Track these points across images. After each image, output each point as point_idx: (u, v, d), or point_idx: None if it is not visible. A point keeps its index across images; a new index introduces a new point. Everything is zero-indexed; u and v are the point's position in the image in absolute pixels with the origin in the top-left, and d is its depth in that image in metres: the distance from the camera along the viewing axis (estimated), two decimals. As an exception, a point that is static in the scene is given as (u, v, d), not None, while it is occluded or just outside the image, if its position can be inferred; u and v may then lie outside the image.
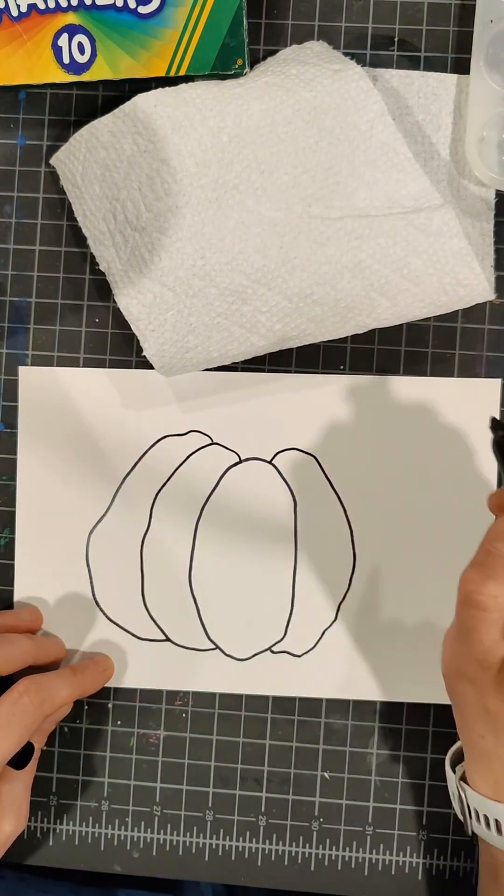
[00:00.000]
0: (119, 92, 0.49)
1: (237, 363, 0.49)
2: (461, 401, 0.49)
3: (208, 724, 0.50)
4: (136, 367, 0.50)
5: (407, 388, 0.49)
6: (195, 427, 0.50)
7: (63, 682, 0.46)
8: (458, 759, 0.44)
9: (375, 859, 0.49)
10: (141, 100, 0.44)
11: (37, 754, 0.46)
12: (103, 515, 0.50)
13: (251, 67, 0.46)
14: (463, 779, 0.43)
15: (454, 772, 0.43)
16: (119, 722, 0.50)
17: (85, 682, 0.47)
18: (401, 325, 0.48)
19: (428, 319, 0.48)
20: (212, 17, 0.45)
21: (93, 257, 0.48)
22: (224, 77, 0.46)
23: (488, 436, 0.40)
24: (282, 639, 0.49)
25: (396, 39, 0.49)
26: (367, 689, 0.49)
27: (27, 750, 0.44)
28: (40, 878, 0.51)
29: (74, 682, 0.46)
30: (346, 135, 0.44)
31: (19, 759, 0.44)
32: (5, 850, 0.45)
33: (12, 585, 0.50)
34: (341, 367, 0.49)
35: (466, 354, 0.49)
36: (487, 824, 0.41)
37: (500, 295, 0.48)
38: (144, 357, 0.46)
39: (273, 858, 0.49)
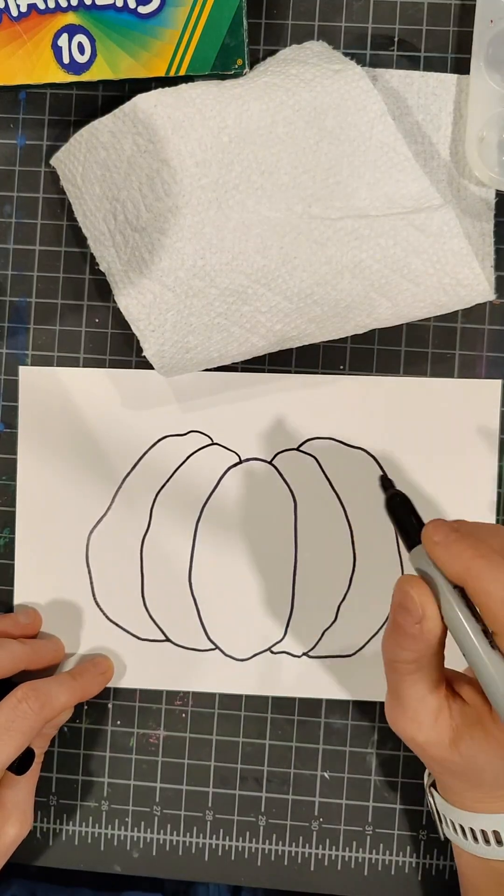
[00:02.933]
0: (119, 92, 0.49)
1: (237, 363, 0.49)
2: (461, 401, 0.49)
3: (208, 724, 0.50)
4: (136, 367, 0.50)
5: (407, 388, 0.49)
6: (195, 427, 0.50)
7: (62, 687, 0.46)
8: None
9: (375, 859, 0.49)
10: (141, 100, 0.44)
11: (39, 759, 0.46)
12: (103, 515, 0.50)
13: (251, 67, 0.46)
14: (434, 784, 0.44)
15: (428, 776, 0.45)
16: (119, 722, 0.50)
17: (85, 686, 0.47)
18: (401, 325, 0.49)
19: (428, 319, 0.48)
20: (212, 17, 0.45)
21: (93, 257, 0.48)
22: (224, 77, 0.46)
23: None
24: (282, 639, 0.49)
25: (396, 39, 0.49)
26: (367, 689, 0.49)
27: (28, 755, 0.44)
28: (51, 885, 0.51)
29: (74, 686, 0.46)
30: (346, 135, 0.44)
31: (20, 765, 0.44)
32: (10, 854, 0.45)
33: (12, 586, 0.50)
34: (341, 367, 0.49)
35: (466, 354, 0.49)
36: (454, 830, 0.42)
37: (500, 295, 0.48)
38: (144, 357, 0.46)
39: (273, 858, 0.49)
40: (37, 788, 0.50)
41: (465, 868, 0.43)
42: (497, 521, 0.49)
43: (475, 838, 0.41)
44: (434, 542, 0.36)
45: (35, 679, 0.46)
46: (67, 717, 0.49)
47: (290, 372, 0.49)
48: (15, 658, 0.46)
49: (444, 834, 0.44)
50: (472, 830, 0.41)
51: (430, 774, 0.45)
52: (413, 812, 0.49)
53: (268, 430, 0.49)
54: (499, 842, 0.41)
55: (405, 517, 0.39)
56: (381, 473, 0.42)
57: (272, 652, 0.49)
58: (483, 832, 0.41)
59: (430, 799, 0.44)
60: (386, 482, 0.40)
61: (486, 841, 0.41)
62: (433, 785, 0.44)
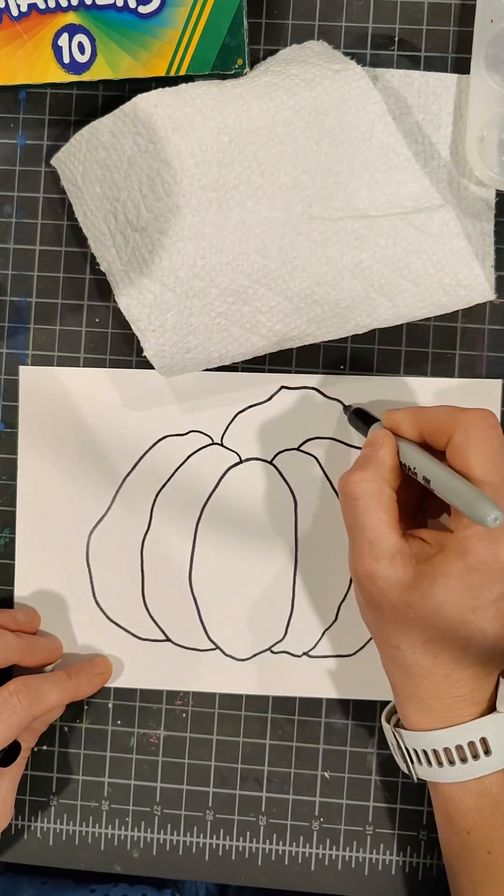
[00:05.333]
0: (119, 92, 0.49)
1: (237, 363, 0.49)
2: (461, 401, 0.49)
3: (208, 724, 0.50)
4: (136, 367, 0.50)
5: (407, 388, 0.49)
6: (195, 427, 0.50)
7: (55, 685, 0.46)
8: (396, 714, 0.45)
9: (375, 859, 0.49)
10: (141, 100, 0.44)
11: (25, 753, 0.47)
12: (103, 515, 0.50)
13: (251, 67, 0.46)
14: (398, 726, 0.44)
15: (389, 723, 0.44)
16: (119, 722, 0.50)
17: (79, 686, 0.47)
18: (401, 325, 0.49)
19: (428, 319, 0.48)
20: (212, 17, 0.45)
21: (93, 257, 0.48)
22: (224, 77, 0.46)
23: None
24: (282, 639, 0.49)
25: (396, 39, 0.49)
26: (367, 689, 0.49)
27: (14, 748, 0.45)
28: (62, 879, 0.51)
29: (67, 685, 0.46)
30: (346, 135, 0.44)
31: (5, 758, 0.44)
32: None
33: (12, 585, 0.50)
34: (341, 367, 0.49)
35: (466, 354, 0.49)
36: (429, 762, 0.41)
37: (500, 295, 0.48)
38: (144, 357, 0.46)
39: (273, 858, 0.49)
40: (37, 788, 0.50)
41: (452, 810, 0.42)
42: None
43: (462, 758, 0.40)
44: (394, 412, 0.44)
45: (28, 675, 0.46)
46: (59, 715, 0.49)
47: (290, 372, 0.49)
48: (8, 650, 0.46)
49: (417, 776, 0.43)
50: (458, 749, 0.40)
51: (388, 711, 0.45)
52: (413, 812, 0.49)
53: (268, 430, 0.49)
54: (487, 751, 0.40)
55: (367, 417, 0.46)
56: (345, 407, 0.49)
57: (272, 652, 0.49)
58: (471, 744, 0.40)
59: (398, 740, 0.43)
60: (345, 409, 0.49)
61: (475, 756, 0.40)
62: (397, 724, 0.44)
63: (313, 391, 0.49)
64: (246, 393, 0.49)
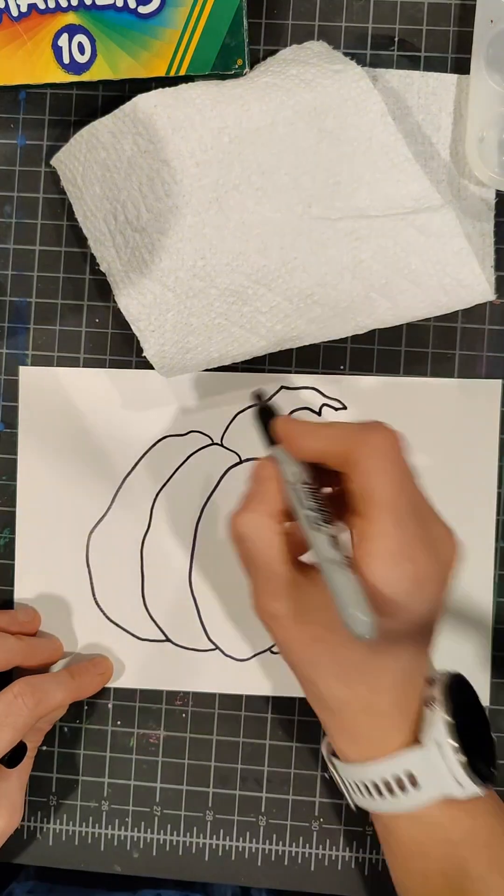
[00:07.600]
0: (119, 92, 0.49)
1: (237, 363, 0.49)
2: (461, 401, 0.49)
3: (208, 724, 0.50)
4: (136, 367, 0.50)
5: (407, 388, 0.49)
6: (195, 427, 0.50)
7: (59, 685, 0.46)
8: None
9: (375, 859, 0.49)
10: (141, 100, 0.44)
11: (31, 753, 0.47)
12: (103, 515, 0.50)
13: (251, 67, 0.46)
14: (335, 754, 0.42)
15: (325, 746, 0.43)
16: (119, 722, 0.50)
17: (82, 685, 0.47)
18: (401, 325, 0.49)
19: (428, 319, 0.48)
20: (212, 17, 0.45)
21: (93, 257, 0.48)
22: (224, 77, 0.46)
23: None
24: (282, 639, 0.49)
25: (396, 39, 0.49)
26: (367, 689, 0.49)
27: (20, 749, 0.45)
28: (68, 886, 0.51)
29: (71, 685, 0.47)
30: (346, 135, 0.44)
31: (11, 758, 0.44)
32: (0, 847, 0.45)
33: (12, 585, 0.50)
34: (341, 367, 0.49)
35: (466, 354, 0.49)
36: (361, 793, 0.40)
37: (500, 295, 0.48)
38: (144, 357, 0.46)
39: (273, 858, 0.49)
40: (37, 788, 0.50)
41: (391, 841, 0.41)
42: (497, 521, 0.49)
43: (390, 791, 0.38)
44: (289, 426, 0.41)
45: (31, 676, 0.46)
46: (62, 715, 0.49)
47: (290, 372, 0.49)
48: (10, 653, 0.46)
49: (354, 805, 0.41)
50: (384, 783, 0.38)
51: (326, 743, 0.43)
52: (413, 812, 0.49)
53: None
54: (414, 784, 0.38)
55: (270, 416, 0.43)
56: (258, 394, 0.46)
57: (272, 652, 0.49)
58: (398, 779, 0.38)
59: (334, 770, 0.42)
60: (257, 398, 0.45)
61: (402, 789, 0.38)
62: (333, 754, 0.42)
63: (313, 391, 0.49)
64: (246, 393, 0.49)
